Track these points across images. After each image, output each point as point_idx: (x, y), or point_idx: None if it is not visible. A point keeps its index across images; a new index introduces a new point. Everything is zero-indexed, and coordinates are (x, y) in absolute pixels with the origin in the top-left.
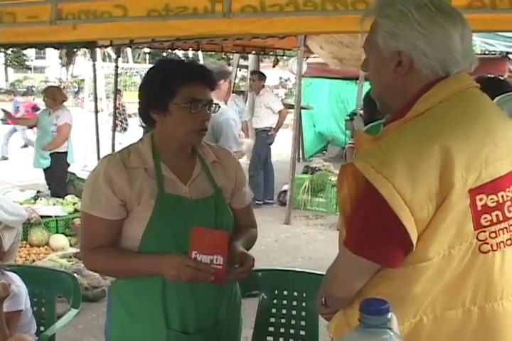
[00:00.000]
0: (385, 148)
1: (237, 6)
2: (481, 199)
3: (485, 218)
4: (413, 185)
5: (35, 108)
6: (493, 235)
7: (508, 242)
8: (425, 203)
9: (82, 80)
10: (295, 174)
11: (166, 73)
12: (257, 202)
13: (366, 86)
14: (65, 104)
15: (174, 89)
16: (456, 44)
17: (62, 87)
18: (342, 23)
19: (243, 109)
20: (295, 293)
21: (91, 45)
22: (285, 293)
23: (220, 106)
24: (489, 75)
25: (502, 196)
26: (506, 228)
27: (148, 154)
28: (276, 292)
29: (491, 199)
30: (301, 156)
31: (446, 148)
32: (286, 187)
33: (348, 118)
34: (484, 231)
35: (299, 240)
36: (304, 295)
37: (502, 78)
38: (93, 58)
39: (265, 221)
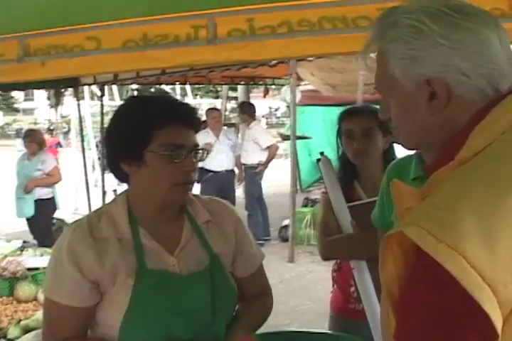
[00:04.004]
0: (442, 206)
1: (222, 30)
2: None
3: None
4: (492, 253)
5: None
6: None
7: None
8: (510, 277)
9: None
10: (295, 208)
11: (138, 113)
12: (258, 241)
13: None
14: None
15: (149, 133)
16: (496, 49)
17: (52, 127)
18: (343, 43)
19: (235, 142)
20: None
21: (74, 84)
22: None
23: (208, 152)
24: None
25: None
26: None
27: (122, 219)
28: None
29: None
30: (298, 187)
31: None
32: (286, 222)
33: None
34: None
35: (305, 280)
36: None
37: None
38: (77, 97)
39: (267, 260)
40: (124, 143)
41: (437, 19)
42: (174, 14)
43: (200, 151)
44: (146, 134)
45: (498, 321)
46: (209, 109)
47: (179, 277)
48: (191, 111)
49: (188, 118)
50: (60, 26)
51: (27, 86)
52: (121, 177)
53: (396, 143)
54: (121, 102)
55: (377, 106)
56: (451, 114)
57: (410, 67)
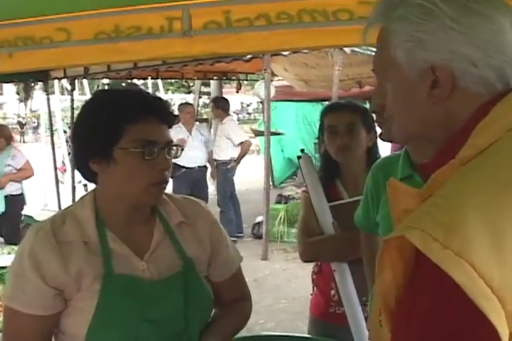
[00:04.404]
0: (446, 207)
1: (198, 22)
2: None
3: None
4: (501, 260)
5: None
6: None
7: None
8: None
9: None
10: (269, 204)
11: (106, 107)
12: (231, 238)
13: None
14: (26, 139)
15: (119, 129)
16: (509, 39)
17: (23, 122)
18: (322, 36)
19: (208, 138)
20: None
21: (44, 78)
22: None
23: (183, 149)
24: None
25: None
26: None
27: (88, 221)
28: None
29: None
30: (271, 183)
31: None
32: (260, 218)
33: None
34: None
35: (279, 278)
36: None
37: None
38: (47, 91)
39: None
40: (93, 139)
41: (450, 1)
42: (148, 5)
43: (174, 148)
44: (115, 130)
45: (504, 334)
46: (182, 103)
47: (149, 282)
48: (164, 105)
49: (161, 113)
50: (28, 17)
51: None
52: (90, 176)
53: (382, 139)
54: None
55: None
56: (453, 106)
57: (415, 51)
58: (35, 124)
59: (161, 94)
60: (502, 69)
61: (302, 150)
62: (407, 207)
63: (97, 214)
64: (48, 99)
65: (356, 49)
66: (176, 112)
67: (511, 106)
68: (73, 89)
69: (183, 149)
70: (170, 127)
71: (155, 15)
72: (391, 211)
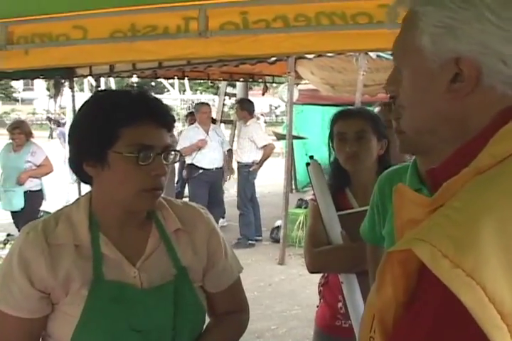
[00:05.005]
0: (459, 220)
1: (215, 23)
2: None
3: None
4: None
5: None
6: None
7: None
8: None
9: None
10: (288, 209)
11: (103, 109)
12: (250, 241)
13: None
14: (54, 135)
15: (114, 132)
16: None
17: (52, 118)
18: (341, 40)
19: (223, 139)
20: None
21: (70, 75)
22: None
23: (181, 154)
24: None
25: None
26: None
27: (82, 224)
28: None
29: None
30: (293, 187)
31: None
32: (279, 222)
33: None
34: None
35: (294, 283)
36: None
37: None
38: (72, 88)
39: (258, 261)
40: (87, 141)
41: None
42: (164, 4)
43: (173, 153)
44: (111, 133)
45: None
46: (198, 103)
47: (139, 291)
48: (164, 107)
49: (160, 116)
50: (45, 14)
51: (22, 75)
52: (85, 178)
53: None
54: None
55: (372, 109)
56: (472, 105)
57: (443, 39)
58: (64, 121)
59: (188, 94)
60: None
61: (311, 157)
62: (412, 216)
63: (91, 217)
64: (73, 96)
65: (382, 54)
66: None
67: None
68: (98, 86)
69: (181, 155)
70: (169, 131)
71: (171, 14)
72: (394, 220)
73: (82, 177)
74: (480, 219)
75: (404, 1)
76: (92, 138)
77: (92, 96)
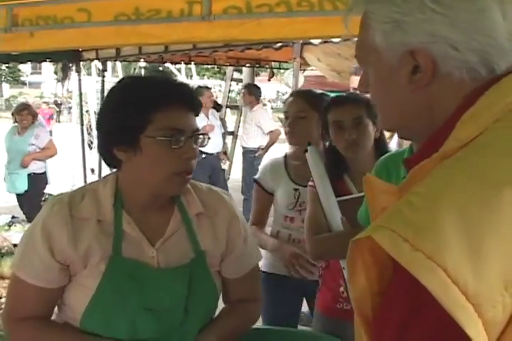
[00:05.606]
0: (420, 205)
1: (218, 7)
2: None
3: None
4: (477, 265)
5: None
6: None
7: None
8: (499, 294)
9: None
10: None
11: (133, 95)
12: None
13: None
14: (61, 118)
15: (147, 117)
16: (494, 21)
17: (59, 102)
18: (343, 25)
19: (221, 123)
20: None
21: (76, 58)
22: None
23: (209, 138)
24: None
25: None
26: None
27: (107, 201)
28: None
29: None
30: None
31: None
32: None
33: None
34: None
35: None
36: None
37: None
38: (78, 72)
39: None
40: (119, 127)
41: None
42: None
43: (201, 136)
44: (143, 118)
45: None
46: (200, 86)
47: (155, 270)
48: (191, 92)
49: (188, 100)
50: None
51: (29, 58)
52: (113, 162)
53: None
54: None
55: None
56: (436, 94)
57: (393, 34)
58: (71, 104)
59: (195, 79)
60: (486, 53)
61: (309, 143)
62: (384, 205)
63: (116, 195)
64: (80, 80)
65: None
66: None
67: (498, 96)
68: (104, 70)
69: (209, 138)
70: (196, 115)
71: None
72: (369, 210)
73: (111, 161)
74: (441, 203)
75: (357, 5)
76: (124, 123)
77: (119, 83)
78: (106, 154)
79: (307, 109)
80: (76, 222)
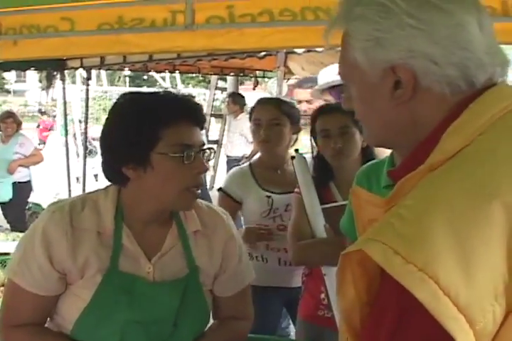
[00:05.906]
0: (410, 218)
1: (201, 17)
2: None
3: None
4: (468, 276)
5: None
6: None
7: None
8: (489, 304)
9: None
10: None
11: (138, 113)
12: None
13: None
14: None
15: (156, 134)
16: (472, 35)
17: (43, 110)
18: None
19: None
20: None
21: (60, 67)
22: None
23: (215, 151)
24: None
25: None
26: None
27: (108, 213)
28: None
29: None
30: None
31: None
32: None
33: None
34: None
35: None
36: None
37: None
38: (63, 80)
39: None
40: (128, 145)
41: None
42: None
43: (208, 151)
44: (152, 134)
45: None
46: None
47: (149, 284)
48: (197, 106)
49: (194, 115)
50: (34, 5)
51: (13, 66)
52: (121, 181)
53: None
54: (110, 87)
55: None
56: (417, 108)
57: (373, 51)
58: (55, 113)
59: (180, 87)
60: (465, 67)
61: (296, 151)
62: (371, 217)
63: (118, 208)
64: (64, 88)
65: None
66: None
67: (483, 109)
68: (89, 78)
69: (215, 151)
70: (202, 129)
71: (159, 7)
72: (356, 221)
73: (117, 180)
74: (430, 215)
75: (336, 23)
76: (133, 141)
77: (120, 100)
78: (113, 173)
79: (280, 116)
80: (76, 233)
